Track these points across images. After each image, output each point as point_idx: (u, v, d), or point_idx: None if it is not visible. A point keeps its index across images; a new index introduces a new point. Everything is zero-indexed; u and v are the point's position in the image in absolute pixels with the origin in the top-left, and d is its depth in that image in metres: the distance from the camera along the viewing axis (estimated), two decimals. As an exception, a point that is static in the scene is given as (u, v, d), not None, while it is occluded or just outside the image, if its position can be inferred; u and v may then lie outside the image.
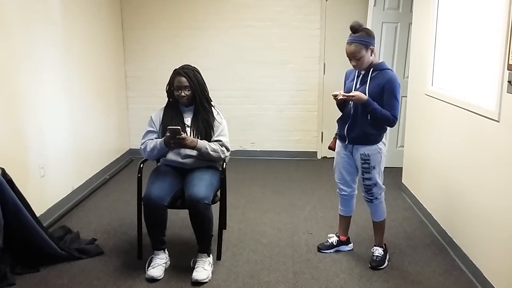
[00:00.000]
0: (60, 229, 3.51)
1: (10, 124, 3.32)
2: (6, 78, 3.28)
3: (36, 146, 3.64)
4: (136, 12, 5.63)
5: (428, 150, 3.92)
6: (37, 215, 3.19)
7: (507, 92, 2.57)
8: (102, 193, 4.58)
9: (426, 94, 3.95)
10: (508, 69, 2.56)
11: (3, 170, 2.88)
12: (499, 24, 2.68)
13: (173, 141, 2.97)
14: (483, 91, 2.91)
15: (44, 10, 3.79)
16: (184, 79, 3.06)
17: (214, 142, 3.10)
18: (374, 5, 4.96)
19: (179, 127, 2.93)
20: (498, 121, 2.68)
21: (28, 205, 3.01)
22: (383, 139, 3.06)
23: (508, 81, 2.56)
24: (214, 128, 3.14)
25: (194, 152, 3.07)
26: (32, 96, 3.60)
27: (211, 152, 3.05)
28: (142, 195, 2.97)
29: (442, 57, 3.70)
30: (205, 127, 3.11)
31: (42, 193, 3.73)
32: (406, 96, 4.53)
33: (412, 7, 4.53)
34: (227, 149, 3.16)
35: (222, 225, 3.32)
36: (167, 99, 3.23)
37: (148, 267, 2.99)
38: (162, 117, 3.17)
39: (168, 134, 2.95)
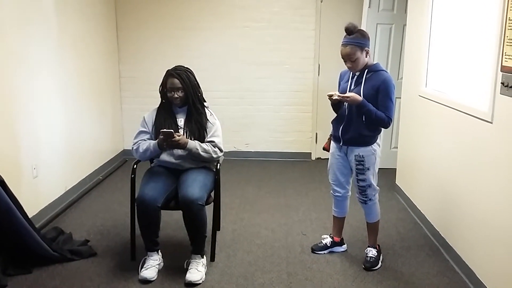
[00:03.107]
0: (53, 230, 3.49)
1: (2, 124, 3.30)
2: (0, 78, 3.26)
3: (29, 146, 3.62)
4: (130, 12, 5.61)
5: (422, 152, 3.93)
6: (30, 216, 3.17)
7: (500, 93, 2.58)
8: (95, 194, 4.56)
9: (420, 96, 3.96)
10: (501, 71, 2.57)
11: (-5, 170, 2.87)
12: (493, 25, 2.69)
13: (166, 143, 2.97)
14: (477, 93, 2.92)
15: (39, 10, 3.77)
16: (176, 80, 3.05)
17: (206, 143, 3.10)
18: (369, 7, 4.97)
19: (172, 130, 2.93)
20: (491, 123, 2.69)
21: (20, 206, 2.99)
22: (378, 141, 3.06)
23: (501, 83, 2.57)
24: (207, 129, 3.14)
25: (186, 153, 3.06)
26: (25, 96, 3.57)
27: (201, 153, 3.04)
28: (136, 196, 2.96)
29: (436, 59, 3.71)
30: (198, 128, 3.11)
31: (35, 194, 3.70)
32: (400, 98, 4.53)
33: (407, 8, 4.54)
34: (220, 150, 3.15)
35: (216, 226, 3.32)
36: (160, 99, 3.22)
37: (141, 268, 2.98)
38: (155, 118, 3.16)
39: (161, 136, 2.94)
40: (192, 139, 3.08)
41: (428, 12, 3.81)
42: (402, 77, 4.63)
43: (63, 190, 4.19)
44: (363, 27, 4.91)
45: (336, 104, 3.07)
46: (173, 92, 3.07)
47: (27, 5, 3.59)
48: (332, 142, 3.21)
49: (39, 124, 3.79)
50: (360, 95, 2.92)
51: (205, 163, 3.18)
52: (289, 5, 5.56)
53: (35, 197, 3.69)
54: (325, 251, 3.34)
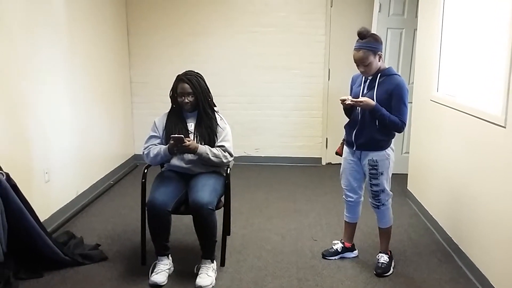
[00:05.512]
0: (64, 234, 3.50)
1: (15, 129, 3.33)
2: (11, 83, 3.29)
3: (40, 151, 3.65)
4: (141, 18, 5.65)
5: (433, 156, 3.90)
6: (41, 220, 3.19)
7: (514, 97, 2.55)
8: (106, 199, 4.57)
9: (431, 100, 3.93)
10: (514, 75, 2.54)
11: (7, 175, 2.88)
12: (505, 28, 2.66)
13: (177, 148, 2.98)
14: (489, 97, 2.89)
15: (49, 15, 3.81)
16: (187, 85, 3.06)
17: (217, 148, 3.10)
18: (379, 11, 4.96)
19: (183, 136, 2.94)
20: (504, 127, 2.66)
21: (32, 210, 3.01)
22: (391, 145, 3.04)
23: (514, 87, 2.54)
24: (218, 134, 3.14)
25: (197, 157, 3.06)
26: (37, 101, 3.60)
27: (212, 158, 3.04)
28: (146, 201, 2.97)
29: (447, 63, 3.68)
30: (208, 133, 3.11)
31: (47, 198, 3.73)
32: (411, 102, 4.50)
33: (417, 13, 4.52)
34: (230, 155, 3.15)
35: (226, 231, 3.31)
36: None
37: (151, 273, 2.98)
38: (166, 123, 3.17)
39: (172, 142, 2.95)
40: (202, 143, 3.08)
41: (439, 16, 3.79)
42: (413, 82, 4.60)
43: (74, 194, 4.21)
44: (373, 31, 4.88)
45: (349, 109, 3.06)
46: (183, 97, 3.08)
47: (37, 10, 3.62)
48: (345, 146, 3.20)
49: (51, 129, 3.82)
50: (373, 100, 2.90)
51: (215, 168, 3.18)
52: (299, 10, 5.56)
53: (46, 202, 3.71)
54: (336, 257, 3.31)
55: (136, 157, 5.81)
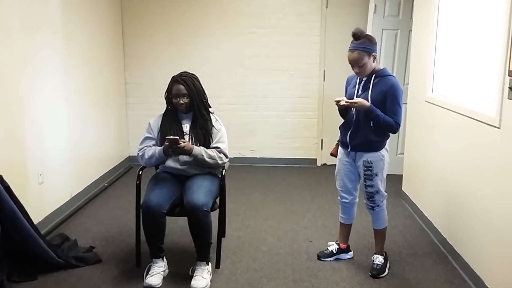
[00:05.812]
0: (58, 237, 3.49)
1: (9, 130, 3.31)
2: (6, 84, 3.27)
3: (35, 152, 3.63)
4: (136, 19, 5.64)
5: (428, 157, 3.90)
6: (35, 222, 3.17)
7: (508, 98, 2.56)
8: (100, 201, 4.55)
9: (426, 101, 3.94)
10: (509, 75, 2.55)
11: (1, 176, 2.86)
12: (500, 30, 2.67)
13: (172, 150, 2.97)
14: (484, 98, 2.90)
15: (45, 17, 3.79)
16: (182, 86, 3.05)
17: (212, 149, 3.09)
18: (374, 12, 4.97)
19: (178, 137, 2.93)
20: (499, 128, 2.66)
21: (26, 212, 2.99)
22: (386, 146, 3.04)
23: (509, 87, 2.55)
24: (213, 135, 3.13)
25: (192, 159, 3.05)
26: (31, 103, 3.58)
27: (207, 159, 3.03)
28: (141, 203, 2.95)
29: (442, 64, 3.69)
30: (203, 134, 3.10)
31: (41, 200, 3.70)
32: (406, 103, 4.50)
33: (412, 14, 4.53)
34: (226, 156, 3.14)
35: (221, 232, 3.30)
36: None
37: (146, 275, 2.96)
38: (161, 124, 3.16)
39: (167, 143, 2.94)
40: (198, 145, 3.07)
41: (434, 17, 3.80)
42: (408, 83, 4.61)
43: (68, 196, 4.19)
44: (368, 32, 4.88)
45: (344, 110, 3.06)
46: (178, 98, 3.07)
47: (34, 12, 3.60)
48: (339, 148, 3.20)
49: (45, 131, 3.80)
50: (368, 101, 2.90)
51: (211, 169, 3.17)
52: (294, 11, 5.56)
53: (40, 204, 3.69)
54: (331, 258, 3.31)
55: (130, 158, 5.79)
